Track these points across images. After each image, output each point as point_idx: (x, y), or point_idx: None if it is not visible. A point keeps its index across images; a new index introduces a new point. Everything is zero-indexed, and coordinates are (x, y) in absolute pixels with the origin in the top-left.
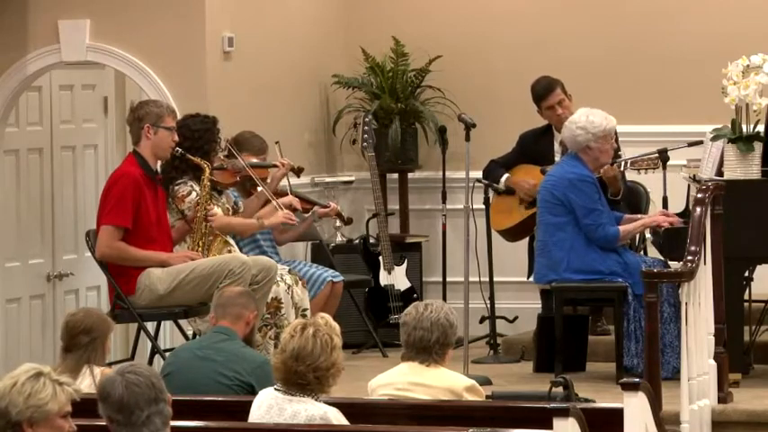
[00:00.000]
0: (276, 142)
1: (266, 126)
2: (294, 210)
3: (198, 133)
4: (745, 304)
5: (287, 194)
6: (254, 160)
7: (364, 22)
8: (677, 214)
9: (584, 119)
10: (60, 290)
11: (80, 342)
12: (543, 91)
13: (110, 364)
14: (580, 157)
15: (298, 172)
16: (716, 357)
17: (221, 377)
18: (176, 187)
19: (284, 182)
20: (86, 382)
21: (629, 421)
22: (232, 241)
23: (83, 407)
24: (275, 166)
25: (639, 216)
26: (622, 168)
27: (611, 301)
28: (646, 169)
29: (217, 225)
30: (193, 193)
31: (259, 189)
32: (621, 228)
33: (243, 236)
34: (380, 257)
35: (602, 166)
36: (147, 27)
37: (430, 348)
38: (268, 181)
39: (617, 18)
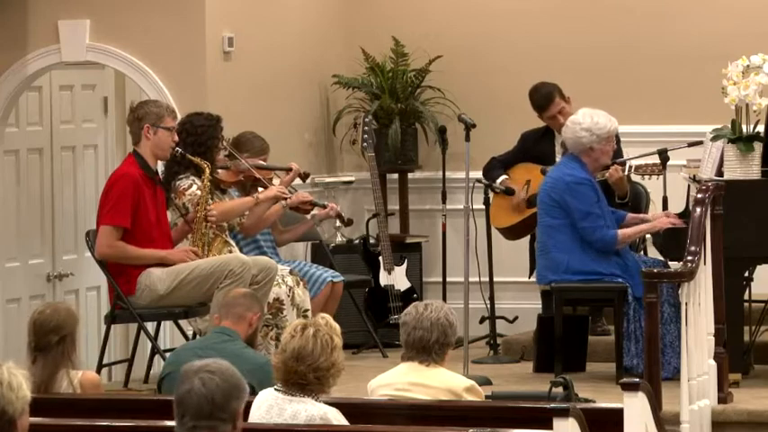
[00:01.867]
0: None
1: (266, 126)
2: (307, 202)
3: (201, 129)
4: (745, 304)
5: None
6: (260, 162)
7: (364, 22)
8: (677, 214)
9: (589, 120)
10: (60, 290)
11: (51, 341)
12: (543, 101)
13: (109, 365)
14: (580, 158)
15: (304, 177)
16: (716, 357)
17: None
18: (177, 182)
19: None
20: (64, 385)
21: (629, 421)
22: (232, 241)
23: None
24: (286, 169)
25: (642, 216)
26: (626, 173)
27: (610, 301)
28: (650, 175)
29: (218, 214)
30: (194, 186)
31: (260, 190)
32: (620, 231)
33: (244, 225)
34: (380, 258)
35: (602, 168)
36: (147, 27)
37: (430, 348)
38: (274, 183)
39: (617, 18)
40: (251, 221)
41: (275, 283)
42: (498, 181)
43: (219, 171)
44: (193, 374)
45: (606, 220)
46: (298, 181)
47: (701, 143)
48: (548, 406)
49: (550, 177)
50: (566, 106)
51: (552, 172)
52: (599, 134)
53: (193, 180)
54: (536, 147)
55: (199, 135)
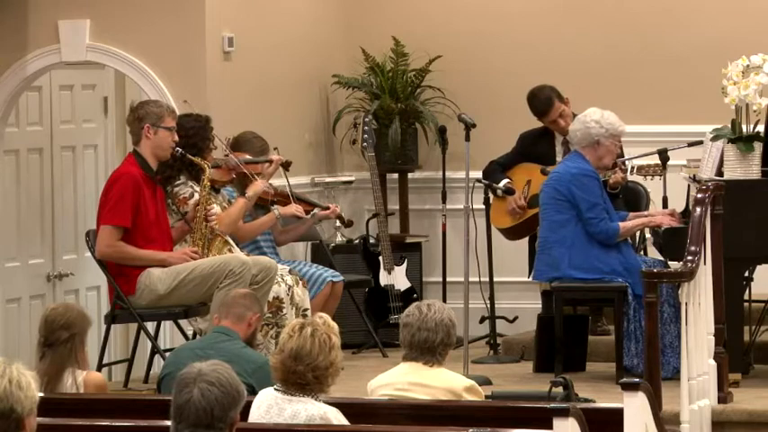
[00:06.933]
0: (275, 148)
1: (266, 126)
2: (297, 218)
3: (192, 131)
4: (745, 304)
5: (289, 199)
6: (247, 156)
7: (364, 22)
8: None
9: (599, 114)
10: (60, 290)
11: (60, 337)
12: (543, 107)
13: (109, 365)
14: (585, 154)
15: (287, 166)
16: (716, 357)
17: None
18: (176, 188)
19: (285, 183)
20: (68, 384)
21: (629, 421)
22: (232, 241)
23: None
24: (269, 161)
25: (644, 214)
26: (628, 172)
27: (611, 301)
28: (652, 175)
29: (224, 227)
30: (195, 195)
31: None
32: (621, 224)
33: (245, 235)
34: (380, 257)
35: (605, 168)
36: (147, 27)
37: (434, 349)
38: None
39: (617, 18)
40: (224, 225)
41: (275, 281)
42: (502, 183)
43: (212, 170)
44: (192, 382)
45: (610, 214)
46: (298, 181)
47: (701, 143)
48: (548, 406)
49: (555, 172)
50: (565, 108)
51: (558, 168)
52: (608, 128)
53: (192, 187)
54: (535, 147)
55: (190, 137)
